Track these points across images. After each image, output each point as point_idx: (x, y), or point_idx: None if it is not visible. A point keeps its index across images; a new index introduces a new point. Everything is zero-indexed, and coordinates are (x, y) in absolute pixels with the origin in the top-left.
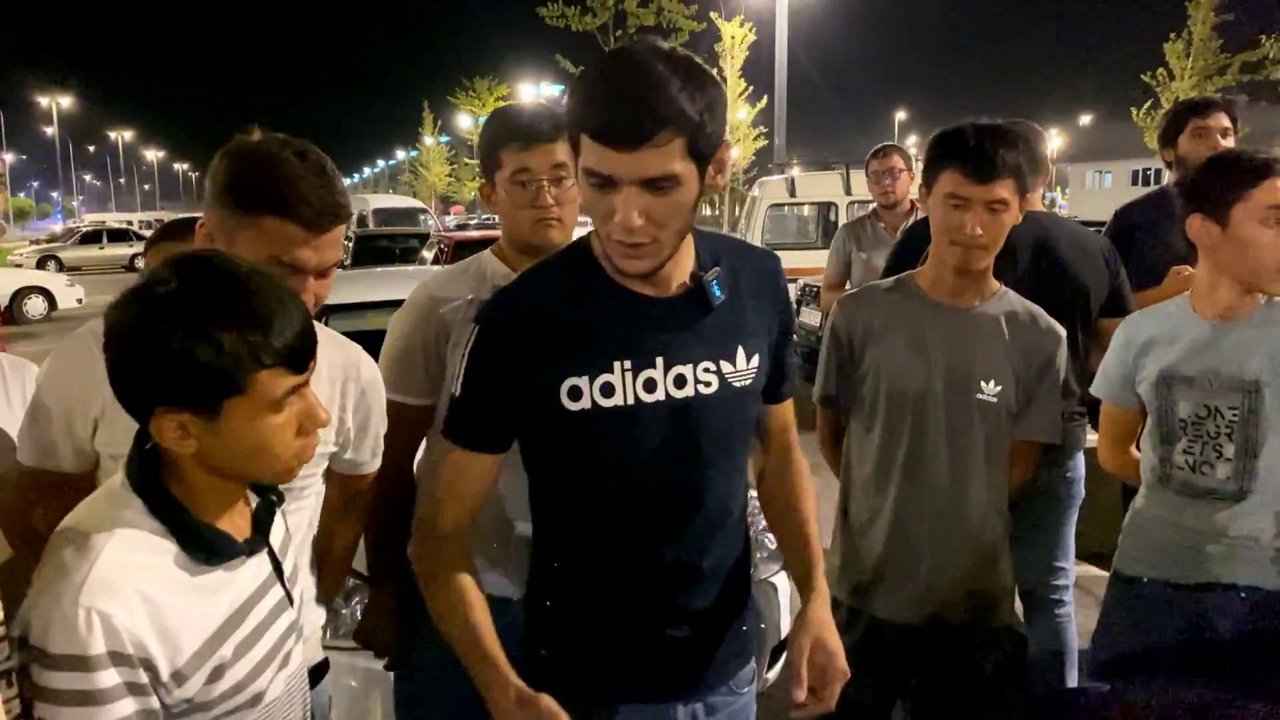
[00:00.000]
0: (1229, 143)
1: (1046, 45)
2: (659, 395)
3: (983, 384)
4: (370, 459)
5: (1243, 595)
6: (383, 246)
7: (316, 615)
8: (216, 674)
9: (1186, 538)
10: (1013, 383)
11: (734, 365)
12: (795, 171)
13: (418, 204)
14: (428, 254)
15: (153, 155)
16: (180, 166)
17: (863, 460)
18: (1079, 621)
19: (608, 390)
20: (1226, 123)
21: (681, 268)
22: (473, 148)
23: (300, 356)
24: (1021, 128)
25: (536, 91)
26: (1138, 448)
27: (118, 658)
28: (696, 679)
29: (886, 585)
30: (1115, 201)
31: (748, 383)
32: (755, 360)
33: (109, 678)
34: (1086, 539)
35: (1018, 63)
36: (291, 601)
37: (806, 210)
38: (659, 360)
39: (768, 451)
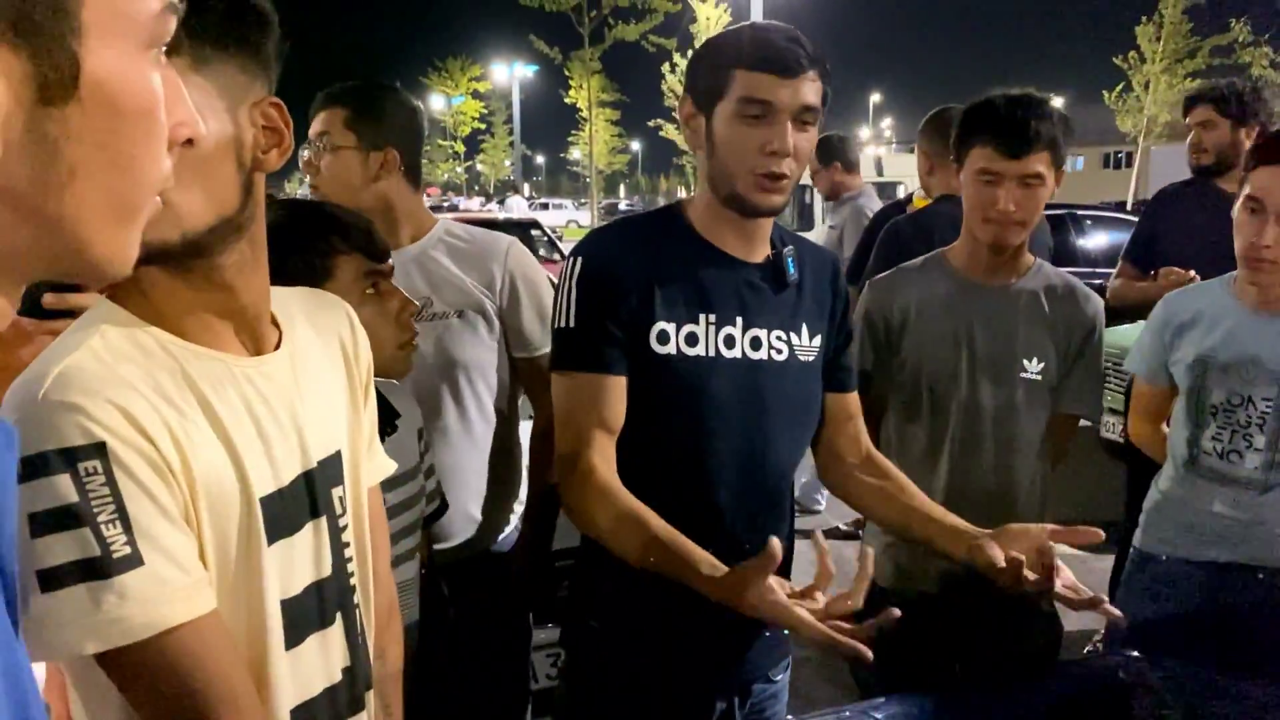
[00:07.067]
0: (1213, 135)
1: (1019, 27)
2: (736, 353)
3: (1025, 362)
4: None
5: (1260, 576)
6: None
7: None
8: None
9: (1209, 520)
10: (1055, 359)
11: (801, 340)
12: None
13: None
14: None
15: None
16: None
17: (909, 444)
18: None
19: (692, 340)
20: (1208, 115)
21: (764, 238)
22: (445, 129)
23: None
24: None
25: (509, 72)
26: (1168, 424)
27: None
28: (742, 662)
29: (935, 562)
30: (1086, 186)
31: (812, 358)
32: (818, 340)
33: None
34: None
35: (991, 46)
36: None
37: None
38: (739, 320)
39: (841, 439)
